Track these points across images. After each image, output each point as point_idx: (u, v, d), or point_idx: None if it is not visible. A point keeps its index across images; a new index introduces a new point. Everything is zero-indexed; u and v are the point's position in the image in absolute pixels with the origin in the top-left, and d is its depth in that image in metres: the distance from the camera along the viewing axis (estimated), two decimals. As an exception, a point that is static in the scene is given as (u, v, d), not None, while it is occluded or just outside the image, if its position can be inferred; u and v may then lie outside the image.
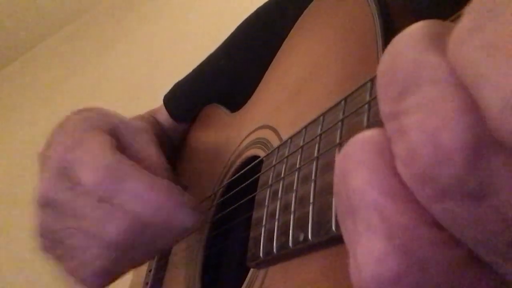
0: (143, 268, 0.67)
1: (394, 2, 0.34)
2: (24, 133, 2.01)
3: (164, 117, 0.76)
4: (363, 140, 0.18)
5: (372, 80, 0.27)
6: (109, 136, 0.45)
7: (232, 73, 0.71)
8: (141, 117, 0.74)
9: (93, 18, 2.29)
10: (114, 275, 0.44)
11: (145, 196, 0.40)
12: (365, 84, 0.28)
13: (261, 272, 0.39)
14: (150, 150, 0.48)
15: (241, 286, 0.42)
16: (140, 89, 1.72)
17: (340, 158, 0.19)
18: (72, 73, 2.10)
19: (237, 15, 0.75)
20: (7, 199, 1.77)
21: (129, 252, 0.42)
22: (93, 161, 0.41)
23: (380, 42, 0.31)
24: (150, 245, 0.43)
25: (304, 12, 0.49)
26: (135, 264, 0.46)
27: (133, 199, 0.40)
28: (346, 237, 0.19)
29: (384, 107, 0.17)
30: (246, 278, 0.42)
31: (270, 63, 0.56)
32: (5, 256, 1.63)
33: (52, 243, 0.44)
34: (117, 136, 0.47)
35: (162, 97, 0.77)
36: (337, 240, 0.28)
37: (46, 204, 0.43)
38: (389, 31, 0.32)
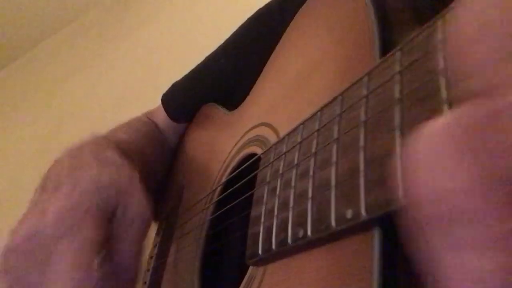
0: (142, 269, 0.67)
1: (390, 2, 0.34)
2: (24, 133, 2.01)
3: (162, 117, 0.75)
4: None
5: (369, 75, 0.27)
6: (96, 235, 0.42)
7: (230, 73, 0.70)
8: (138, 120, 0.74)
9: (93, 18, 2.29)
10: None
11: None
12: (361, 78, 0.27)
13: (260, 269, 0.39)
14: (130, 252, 0.45)
15: (240, 284, 0.42)
16: (140, 88, 1.72)
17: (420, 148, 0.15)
18: (72, 73, 2.10)
19: (237, 15, 0.74)
20: (7, 199, 1.77)
21: None
22: (62, 276, 0.40)
23: (376, 39, 0.31)
24: None
25: (300, 10, 0.49)
26: None
27: None
28: (426, 249, 0.16)
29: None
30: (245, 276, 0.42)
31: (267, 61, 0.56)
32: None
33: None
34: (110, 219, 0.45)
35: (161, 98, 0.77)
36: (336, 235, 0.28)
37: (15, 247, 0.42)
38: (385, 28, 0.32)
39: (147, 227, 0.47)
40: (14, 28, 2.27)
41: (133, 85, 1.80)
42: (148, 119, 0.75)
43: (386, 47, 0.30)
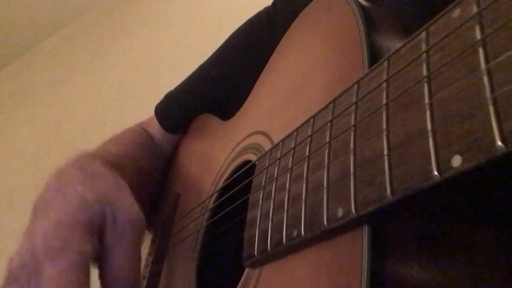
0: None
1: (378, 11, 0.35)
2: (24, 133, 2.02)
3: (156, 128, 0.76)
4: None
5: (358, 83, 0.28)
6: (84, 250, 0.42)
7: (223, 83, 0.71)
8: (132, 131, 0.74)
9: (93, 18, 2.29)
10: None
11: None
12: (351, 87, 0.29)
13: (256, 271, 0.40)
14: (126, 261, 0.45)
15: (236, 286, 0.43)
16: (140, 88, 1.72)
17: None
18: (72, 73, 2.11)
19: (236, 15, 0.75)
20: (7, 199, 1.78)
21: None
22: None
23: (365, 49, 0.32)
24: None
25: (293, 22, 0.50)
26: None
27: None
28: None
29: None
30: (242, 278, 0.43)
31: (261, 72, 0.57)
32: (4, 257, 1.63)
33: None
34: (99, 229, 0.45)
35: (161, 97, 0.78)
36: (328, 234, 0.29)
37: (12, 276, 0.44)
38: (374, 39, 0.33)
39: (141, 232, 0.46)
40: (14, 28, 2.27)
41: (133, 85, 1.80)
42: (142, 130, 0.76)
43: (375, 56, 0.31)
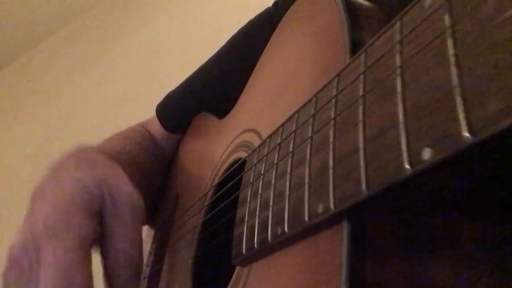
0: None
1: (363, 4, 0.35)
2: (24, 133, 2.02)
3: (157, 128, 0.76)
4: None
5: (338, 76, 0.28)
6: (83, 232, 0.43)
7: (224, 83, 0.71)
8: (133, 130, 0.75)
9: (93, 18, 2.30)
10: None
11: None
12: (332, 80, 0.29)
13: (246, 269, 0.40)
14: (127, 245, 0.45)
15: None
16: (140, 88, 1.73)
17: None
18: (72, 73, 2.11)
19: (237, 15, 0.75)
20: (7, 199, 1.78)
21: None
22: (55, 279, 0.40)
23: (348, 44, 0.32)
24: None
25: (282, 19, 0.51)
26: None
27: None
28: None
29: None
30: (232, 276, 0.43)
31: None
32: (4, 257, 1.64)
33: None
34: (100, 212, 0.45)
35: (161, 98, 0.78)
36: (310, 230, 0.29)
37: (13, 261, 0.44)
38: (358, 33, 0.33)
39: (140, 216, 0.46)
40: (14, 28, 2.28)
41: (133, 85, 1.81)
42: (143, 129, 0.76)
43: (359, 50, 0.31)
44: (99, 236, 0.44)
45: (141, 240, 0.46)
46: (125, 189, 0.46)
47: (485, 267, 0.25)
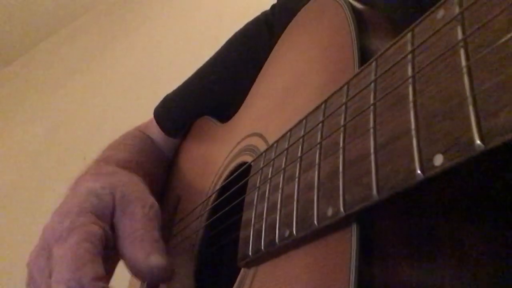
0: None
1: (370, 13, 0.36)
2: (24, 133, 2.02)
3: (156, 132, 0.76)
4: None
5: (348, 84, 0.28)
6: (91, 230, 0.44)
7: (222, 86, 0.71)
8: (133, 136, 0.74)
9: (93, 18, 2.30)
10: None
11: None
12: (342, 87, 0.29)
13: (251, 271, 0.40)
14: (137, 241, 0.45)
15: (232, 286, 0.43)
16: (140, 88, 1.73)
17: None
18: (72, 73, 2.11)
19: (236, 16, 0.75)
20: (7, 199, 1.78)
21: None
22: (63, 274, 0.41)
23: (356, 51, 0.33)
24: None
25: (288, 25, 0.51)
26: None
27: None
28: None
29: None
30: (237, 278, 0.43)
31: (258, 75, 0.58)
32: (4, 257, 1.64)
33: None
34: (112, 217, 0.47)
35: (161, 98, 0.78)
36: (319, 233, 0.30)
37: (28, 270, 0.47)
38: (366, 41, 0.34)
39: (152, 213, 0.48)
40: (14, 28, 2.28)
41: (133, 85, 1.81)
42: (143, 135, 0.76)
43: (367, 58, 0.31)
44: (112, 237, 0.45)
45: (158, 236, 0.47)
46: (137, 190, 0.49)
47: (487, 269, 0.25)
